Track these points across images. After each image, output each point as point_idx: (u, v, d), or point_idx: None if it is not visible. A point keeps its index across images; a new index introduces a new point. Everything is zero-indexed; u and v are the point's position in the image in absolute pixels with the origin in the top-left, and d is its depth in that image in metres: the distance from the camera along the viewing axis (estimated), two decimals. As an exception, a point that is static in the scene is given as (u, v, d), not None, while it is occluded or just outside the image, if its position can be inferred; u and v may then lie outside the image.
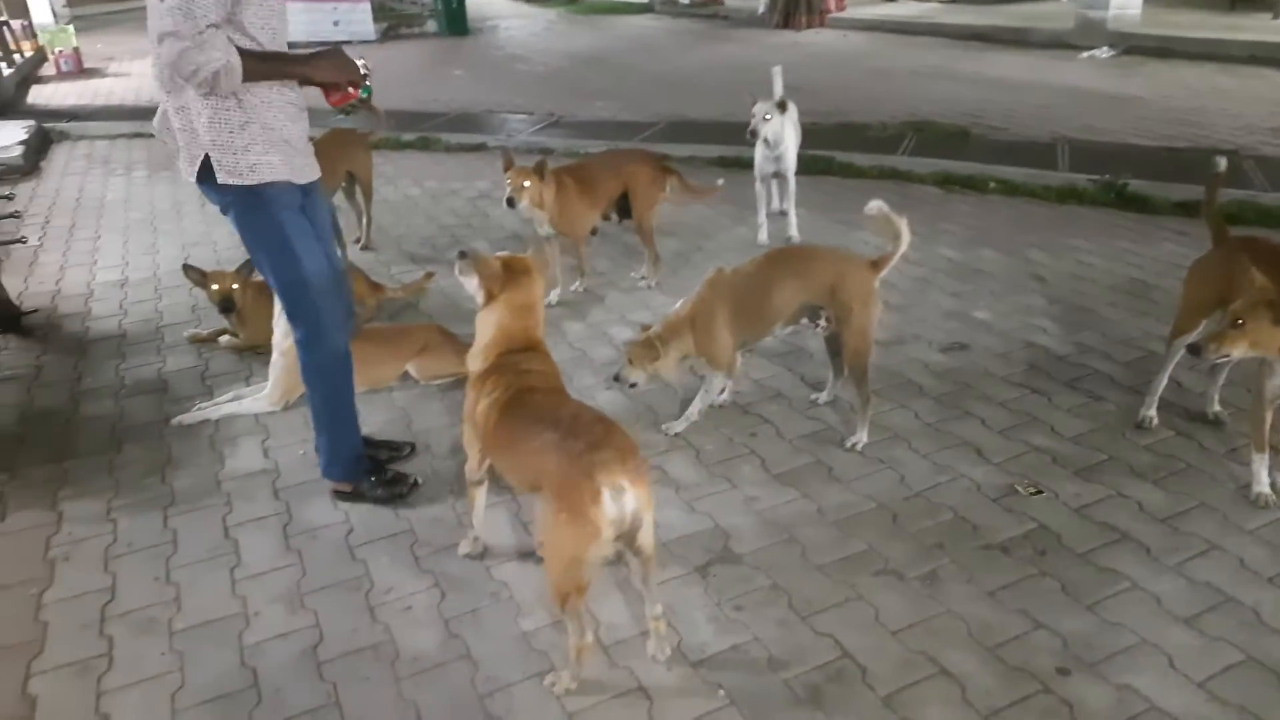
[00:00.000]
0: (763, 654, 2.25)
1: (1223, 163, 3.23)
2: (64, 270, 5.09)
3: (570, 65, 11.88)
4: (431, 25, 15.81)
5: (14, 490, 3.06)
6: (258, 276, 3.58)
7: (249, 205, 2.54)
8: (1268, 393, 2.71)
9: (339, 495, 2.96)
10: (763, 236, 5.14)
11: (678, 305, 3.24)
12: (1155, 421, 3.18)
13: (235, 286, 3.87)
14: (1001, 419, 3.28)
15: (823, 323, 3.17)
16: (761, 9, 14.05)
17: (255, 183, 2.49)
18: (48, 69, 12.02)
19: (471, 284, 2.43)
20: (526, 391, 2.30)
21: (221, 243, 5.34)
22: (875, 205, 3.03)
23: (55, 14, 16.29)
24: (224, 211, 2.59)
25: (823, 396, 3.45)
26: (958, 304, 4.25)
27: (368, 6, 14.91)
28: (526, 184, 4.03)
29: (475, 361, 2.44)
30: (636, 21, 16.15)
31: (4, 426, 3.49)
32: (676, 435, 3.24)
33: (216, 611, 2.47)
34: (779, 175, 5.07)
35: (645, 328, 3.23)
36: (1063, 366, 3.64)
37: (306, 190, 2.69)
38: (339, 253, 2.93)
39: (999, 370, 3.63)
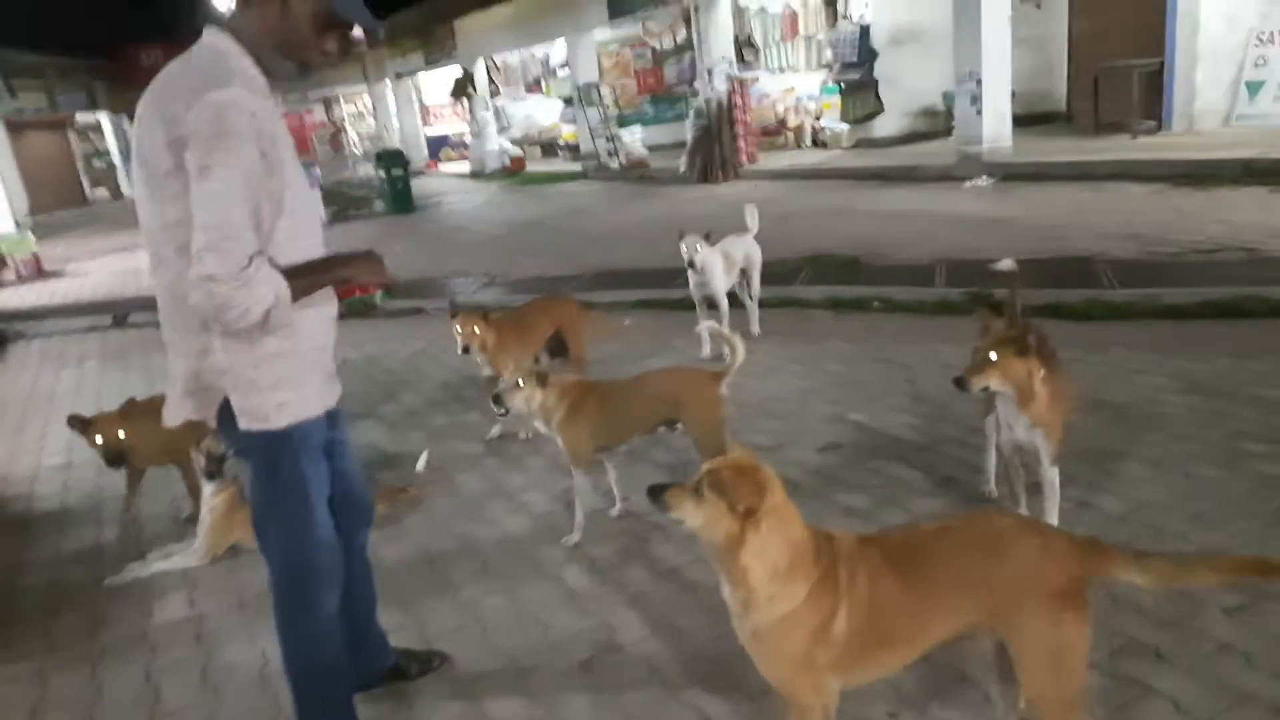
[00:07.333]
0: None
1: (1007, 264, 3.87)
2: (13, 457, 5.38)
3: (508, 231, 12.74)
4: (379, 205, 16.85)
5: (-51, 661, 3.26)
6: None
7: (274, 451, 2.10)
8: (1005, 449, 3.15)
9: None
10: (705, 351, 5.65)
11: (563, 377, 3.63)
12: (995, 494, 3.57)
13: (121, 432, 3.79)
14: (863, 503, 3.64)
15: (679, 427, 3.56)
16: (682, 168, 15.24)
17: (284, 425, 2.07)
18: (7, 275, 12.59)
19: (697, 520, 1.98)
20: (887, 548, 2.01)
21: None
22: (707, 325, 3.60)
23: (18, 223, 17.09)
24: (239, 456, 2.25)
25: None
26: (836, 409, 4.67)
27: (318, 193, 15.92)
28: (476, 329, 4.49)
29: (786, 601, 1.93)
30: (570, 188, 17.33)
31: (-56, 604, 3.69)
32: (575, 546, 3.55)
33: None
34: (710, 299, 5.73)
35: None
36: (923, 455, 4.04)
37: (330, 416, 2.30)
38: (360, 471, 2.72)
39: (868, 462, 4.02)
